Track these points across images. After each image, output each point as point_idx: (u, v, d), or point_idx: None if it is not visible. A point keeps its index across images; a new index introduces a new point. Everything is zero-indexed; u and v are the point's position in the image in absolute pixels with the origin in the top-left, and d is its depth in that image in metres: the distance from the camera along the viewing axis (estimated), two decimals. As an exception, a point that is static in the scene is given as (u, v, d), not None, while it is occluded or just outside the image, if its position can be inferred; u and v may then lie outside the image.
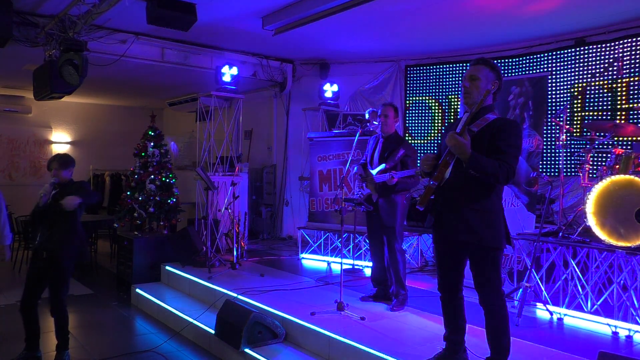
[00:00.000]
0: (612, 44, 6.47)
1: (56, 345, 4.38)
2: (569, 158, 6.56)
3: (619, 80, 6.40)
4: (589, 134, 4.94)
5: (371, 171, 4.74)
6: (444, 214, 3.14)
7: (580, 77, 6.77)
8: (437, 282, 3.36)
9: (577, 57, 6.81)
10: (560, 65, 6.97)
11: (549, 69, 6.99)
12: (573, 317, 4.38)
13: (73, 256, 4.37)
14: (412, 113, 8.60)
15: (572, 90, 6.84)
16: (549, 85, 6.72)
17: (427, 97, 8.44)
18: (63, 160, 4.51)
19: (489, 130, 3.01)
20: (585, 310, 4.33)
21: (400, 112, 8.57)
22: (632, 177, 4.09)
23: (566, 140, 5.36)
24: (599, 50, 6.61)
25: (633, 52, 6.28)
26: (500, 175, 2.89)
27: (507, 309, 3.12)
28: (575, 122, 6.78)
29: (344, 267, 5.22)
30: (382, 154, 4.75)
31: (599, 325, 4.20)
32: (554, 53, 7.02)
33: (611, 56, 6.44)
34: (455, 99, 8.11)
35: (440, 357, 3.34)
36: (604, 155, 5.89)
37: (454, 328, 3.32)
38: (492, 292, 3.08)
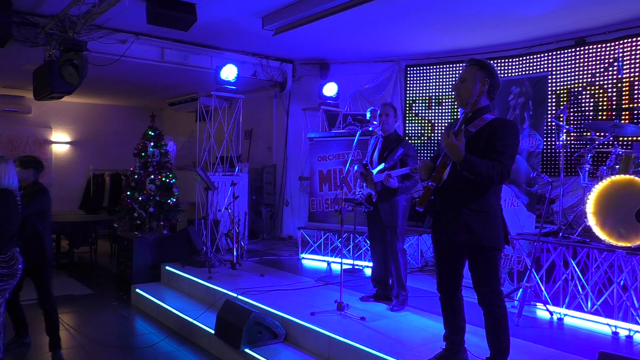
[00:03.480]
0: (612, 44, 6.48)
1: (49, 344, 4.46)
2: (569, 158, 6.56)
3: (619, 80, 6.40)
4: (589, 134, 4.93)
5: (372, 170, 4.74)
6: (443, 215, 3.14)
7: (580, 77, 6.77)
8: (436, 282, 3.36)
9: (577, 57, 6.81)
10: (560, 65, 6.97)
11: (549, 69, 6.99)
12: (573, 317, 4.38)
13: (36, 259, 4.35)
14: (412, 113, 8.60)
15: (573, 90, 6.84)
16: (549, 85, 6.72)
17: (427, 97, 8.44)
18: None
19: (486, 130, 3.02)
20: (585, 310, 4.33)
21: (400, 112, 8.58)
22: (632, 177, 4.09)
23: (566, 140, 5.36)
24: (599, 50, 6.61)
25: (633, 52, 6.28)
26: (494, 175, 2.89)
27: (507, 309, 3.12)
28: (575, 122, 6.78)
29: (344, 267, 5.22)
30: (381, 154, 4.74)
31: (599, 325, 4.20)
32: (554, 53, 7.03)
33: (611, 56, 6.44)
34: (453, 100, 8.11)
35: (440, 357, 3.34)
36: (604, 155, 5.88)
37: (454, 328, 3.32)
38: (491, 292, 3.08)
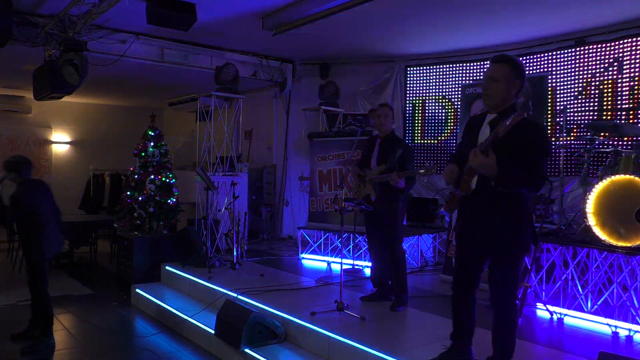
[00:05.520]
0: (612, 44, 6.47)
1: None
2: (569, 158, 6.56)
3: (619, 80, 6.40)
4: (589, 134, 4.94)
5: (371, 172, 4.74)
6: (473, 221, 3.08)
7: (580, 77, 6.77)
8: (452, 279, 3.30)
9: (577, 57, 6.80)
10: (560, 65, 6.97)
11: (549, 69, 6.99)
12: (573, 317, 4.38)
13: (42, 252, 4.73)
14: (412, 113, 8.60)
15: (572, 90, 6.83)
16: (549, 85, 6.72)
17: (427, 97, 8.44)
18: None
19: (515, 133, 2.82)
20: (585, 310, 4.33)
21: (401, 112, 8.58)
22: (632, 177, 4.09)
23: (566, 140, 5.37)
24: (599, 50, 6.61)
25: (633, 52, 6.28)
26: (531, 184, 2.83)
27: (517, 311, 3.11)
28: (575, 122, 6.78)
29: (344, 267, 5.22)
30: (380, 155, 4.74)
31: (599, 325, 4.20)
32: (554, 53, 7.02)
33: (611, 56, 6.44)
34: (455, 100, 8.11)
35: (445, 356, 3.31)
36: (604, 155, 5.88)
37: (462, 327, 3.26)
38: (507, 292, 3.04)
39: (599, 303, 4.26)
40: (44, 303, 4.76)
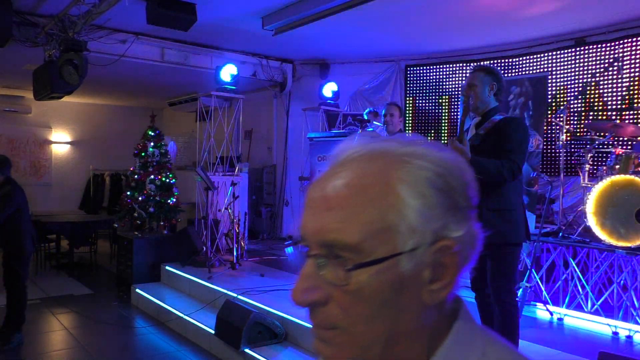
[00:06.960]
0: (612, 44, 6.47)
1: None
2: (569, 158, 6.56)
3: (619, 80, 6.40)
4: (589, 134, 4.94)
5: None
6: None
7: (580, 77, 6.77)
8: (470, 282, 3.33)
9: (577, 57, 6.80)
10: (560, 65, 6.96)
11: (549, 69, 6.98)
12: (573, 317, 4.38)
13: (33, 244, 4.92)
14: (412, 113, 8.60)
15: (572, 90, 6.83)
16: (549, 85, 6.72)
17: (427, 97, 8.44)
18: None
19: (495, 130, 3.08)
20: (585, 310, 4.33)
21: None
22: (632, 177, 4.09)
23: (566, 140, 5.37)
24: (599, 50, 6.61)
25: (633, 52, 6.28)
26: (504, 173, 2.93)
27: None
28: (575, 122, 6.78)
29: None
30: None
31: (599, 325, 4.20)
32: (554, 53, 7.02)
33: (611, 56, 6.44)
34: (455, 100, 8.11)
35: None
36: (604, 155, 5.88)
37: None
38: (505, 289, 3.05)
39: (598, 303, 4.26)
40: (22, 298, 4.82)
